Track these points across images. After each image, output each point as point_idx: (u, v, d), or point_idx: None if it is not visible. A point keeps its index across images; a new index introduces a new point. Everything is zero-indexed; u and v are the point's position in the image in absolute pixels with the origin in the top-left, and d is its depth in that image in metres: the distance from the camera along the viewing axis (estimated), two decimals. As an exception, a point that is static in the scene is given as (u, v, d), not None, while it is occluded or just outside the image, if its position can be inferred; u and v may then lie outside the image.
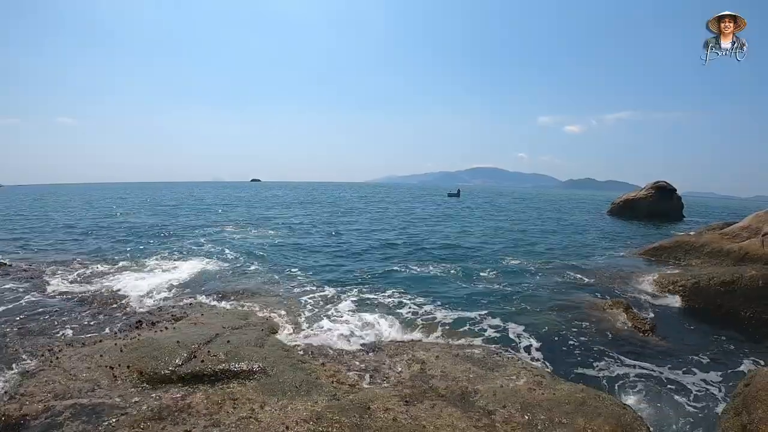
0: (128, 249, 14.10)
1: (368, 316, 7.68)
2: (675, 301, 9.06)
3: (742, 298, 8.81)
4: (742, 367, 6.41)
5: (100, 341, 5.57)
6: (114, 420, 3.77)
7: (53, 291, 8.58)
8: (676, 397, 5.61)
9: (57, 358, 5.08)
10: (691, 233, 14.63)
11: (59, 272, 10.18)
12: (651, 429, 4.06)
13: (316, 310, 8.09)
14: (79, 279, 9.60)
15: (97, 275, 10.01)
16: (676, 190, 31.21)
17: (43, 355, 5.27)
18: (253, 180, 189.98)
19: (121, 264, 11.45)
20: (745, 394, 3.88)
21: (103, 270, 10.58)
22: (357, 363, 4.91)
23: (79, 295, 8.31)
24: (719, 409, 5.18)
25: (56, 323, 6.72)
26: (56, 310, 7.35)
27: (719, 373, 6.34)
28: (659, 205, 29.88)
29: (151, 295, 8.56)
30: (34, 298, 7.97)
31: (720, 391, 5.77)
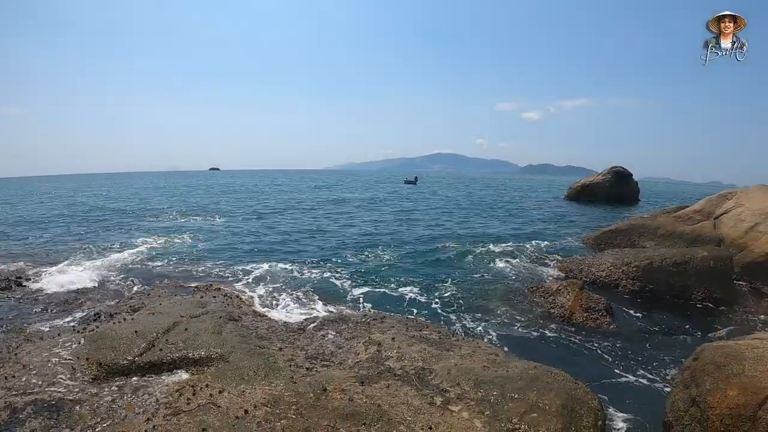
0: (81, 241, 13.64)
1: (323, 301, 7.93)
2: (629, 281, 9.45)
3: (694, 278, 9.19)
4: (691, 343, 6.65)
5: (59, 335, 5.47)
6: (75, 414, 3.77)
7: (7, 287, 8.30)
8: (628, 372, 5.87)
9: (15, 354, 4.97)
10: (646, 216, 15.13)
11: (12, 267, 9.85)
12: (602, 402, 4.21)
13: (273, 295, 8.18)
14: (32, 274, 9.29)
15: (51, 269, 9.63)
16: (632, 174, 32.22)
17: (0, 353, 5.15)
18: (211, 169, 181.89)
19: (73, 257, 11.09)
20: (693, 368, 4.01)
21: (57, 263, 10.20)
22: (314, 347, 4.98)
23: (35, 290, 8.10)
24: (670, 382, 5.44)
25: (12, 319, 6.55)
26: (12, 307, 7.15)
27: (670, 349, 6.67)
28: (616, 189, 30.78)
29: (107, 287, 8.46)
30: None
31: (670, 366, 6.06)
